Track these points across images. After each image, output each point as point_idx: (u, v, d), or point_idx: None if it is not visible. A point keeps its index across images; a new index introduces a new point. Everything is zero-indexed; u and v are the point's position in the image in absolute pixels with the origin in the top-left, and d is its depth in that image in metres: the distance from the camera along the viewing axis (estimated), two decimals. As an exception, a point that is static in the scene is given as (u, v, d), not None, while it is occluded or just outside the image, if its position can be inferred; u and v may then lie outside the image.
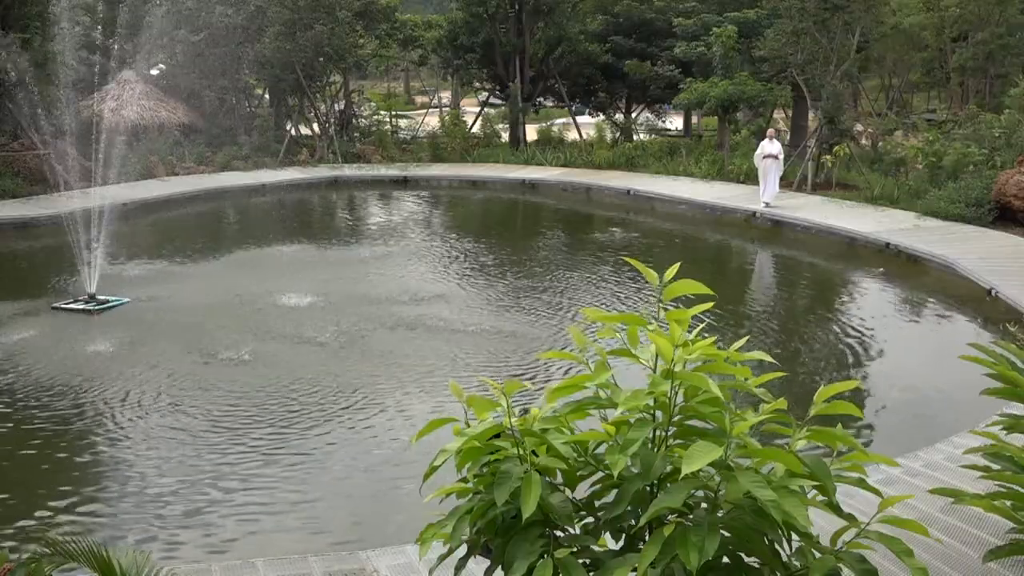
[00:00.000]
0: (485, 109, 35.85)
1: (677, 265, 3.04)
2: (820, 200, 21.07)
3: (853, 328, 12.34)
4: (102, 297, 13.56)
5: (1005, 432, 5.02)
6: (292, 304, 13.46)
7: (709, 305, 3.10)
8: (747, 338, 3.44)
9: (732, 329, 11.83)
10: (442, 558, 3.02)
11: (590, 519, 3.00)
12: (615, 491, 2.89)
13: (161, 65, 32.68)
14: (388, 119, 35.28)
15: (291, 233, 19.90)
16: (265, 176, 27.27)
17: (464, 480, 2.99)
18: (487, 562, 2.97)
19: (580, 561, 2.74)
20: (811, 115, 26.91)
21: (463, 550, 2.99)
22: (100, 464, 8.24)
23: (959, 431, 7.89)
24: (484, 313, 13.02)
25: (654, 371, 2.89)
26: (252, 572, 5.93)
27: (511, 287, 14.65)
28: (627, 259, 3.72)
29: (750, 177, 22.52)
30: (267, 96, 35.60)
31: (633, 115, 35.40)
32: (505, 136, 33.44)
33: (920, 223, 17.93)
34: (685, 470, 2.49)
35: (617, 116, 34.57)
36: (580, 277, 15.36)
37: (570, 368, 9.78)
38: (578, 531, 2.95)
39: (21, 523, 7.12)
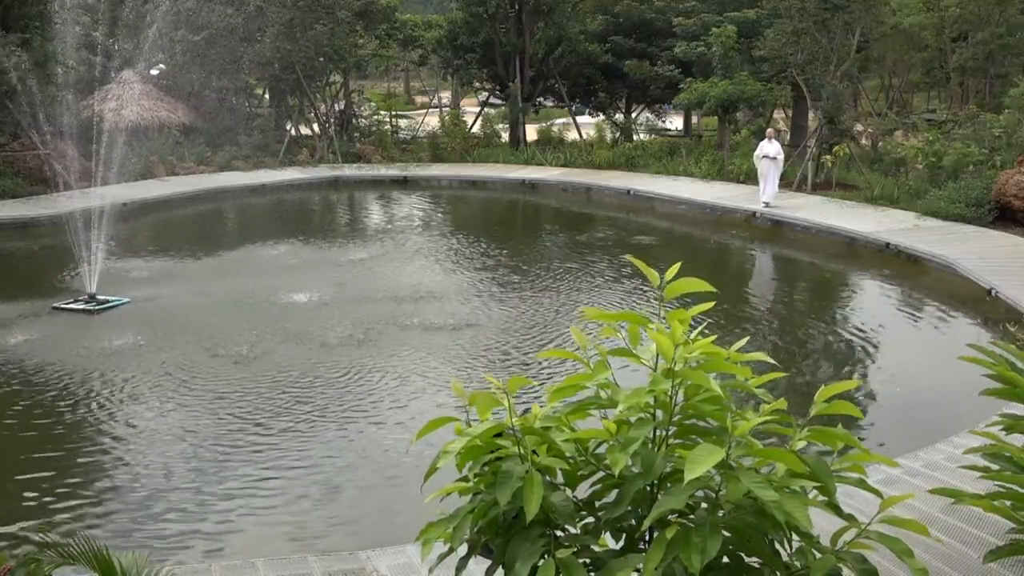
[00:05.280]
0: (485, 109, 35.85)
1: (678, 264, 3.04)
2: (820, 200, 21.07)
3: (853, 328, 12.34)
4: (102, 297, 13.56)
5: (1005, 432, 5.02)
6: (293, 302, 13.47)
7: (710, 305, 3.10)
8: (748, 338, 3.44)
9: (732, 329, 11.82)
10: (442, 557, 3.01)
11: (590, 519, 3.00)
12: (616, 491, 2.88)
13: (161, 65, 32.69)
14: (388, 119, 35.29)
15: (291, 233, 19.88)
16: (265, 176, 27.28)
17: (464, 479, 2.99)
18: (488, 562, 2.97)
19: (581, 561, 2.74)
20: (811, 115, 26.91)
21: (464, 550, 2.99)
22: (101, 463, 8.24)
23: (959, 431, 7.89)
24: (485, 311, 13.01)
25: (654, 370, 2.89)
26: (252, 572, 5.93)
27: (512, 286, 14.64)
28: (630, 258, 3.72)
29: (750, 177, 22.52)
30: (267, 96, 35.61)
31: (633, 115, 35.41)
32: (505, 136, 33.44)
33: (920, 223, 17.93)
34: (689, 476, 2.48)
35: (617, 116, 34.58)
36: (580, 276, 15.35)
37: (564, 365, 9.78)
38: (578, 531, 2.95)
39: (21, 523, 7.12)
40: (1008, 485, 4.73)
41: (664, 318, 2.94)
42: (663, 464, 2.76)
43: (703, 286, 2.93)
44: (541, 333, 12.00)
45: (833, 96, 22.34)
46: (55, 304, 13.40)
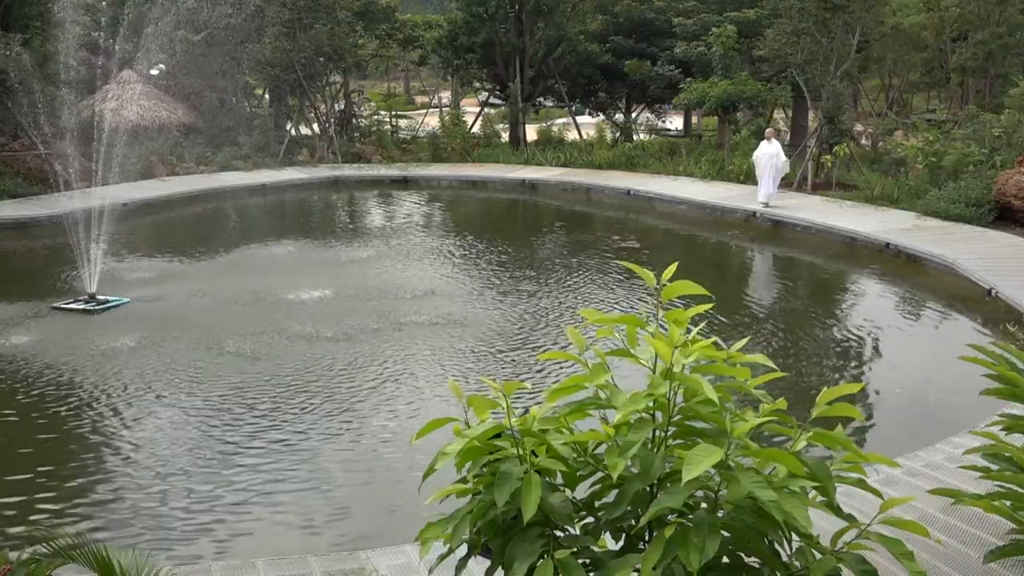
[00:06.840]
0: (485, 109, 35.85)
1: (675, 265, 3.03)
2: (820, 200, 21.06)
3: (853, 328, 12.34)
4: (102, 297, 13.56)
5: (1004, 432, 5.02)
6: (293, 302, 13.46)
7: (708, 306, 3.10)
8: (747, 339, 3.44)
9: (732, 329, 11.83)
10: (442, 558, 3.02)
11: (590, 519, 3.00)
12: (615, 491, 2.88)
13: (161, 65, 32.70)
14: (388, 119, 35.29)
15: (291, 233, 19.90)
16: (265, 176, 27.28)
17: (464, 480, 2.99)
18: (487, 562, 2.97)
19: (580, 561, 2.74)
20: (811, 115, 26.90)
21: (463, 550, 2.99)
22: (101, 464, 8.24)
23: (959, 431, 7.89)
24: (485, 311, 13.01)
25: (653, 371, 2.88)
26: (252, 572, 5.93)
27: (512, 286, 14.64)
28: (624, 263, 3.72)
29: (750, 177, 22.52)
30: (267, 96, 35.61)
31: (633, 115, 35.40)
32: (505, 136, 33.44)
33: (920, 223, 17.93)
34: (686, 476, 2.48)
35: (617, 116, 34.57)
36: (580, 276, 15.35)
37: (564, 365, 9.77)
38: (578, 531, 2.95)
39: (21, 523, 7.12)
40: (1008, 485, 4.73)
41: (661, 320, 2.94)
42: (662, 465, 2.75)
43: (697, 289, 2.93)
44: (541, 333, 12.00)
45: (833, 96, 22.34)
46: (55, 304, 13.40)
